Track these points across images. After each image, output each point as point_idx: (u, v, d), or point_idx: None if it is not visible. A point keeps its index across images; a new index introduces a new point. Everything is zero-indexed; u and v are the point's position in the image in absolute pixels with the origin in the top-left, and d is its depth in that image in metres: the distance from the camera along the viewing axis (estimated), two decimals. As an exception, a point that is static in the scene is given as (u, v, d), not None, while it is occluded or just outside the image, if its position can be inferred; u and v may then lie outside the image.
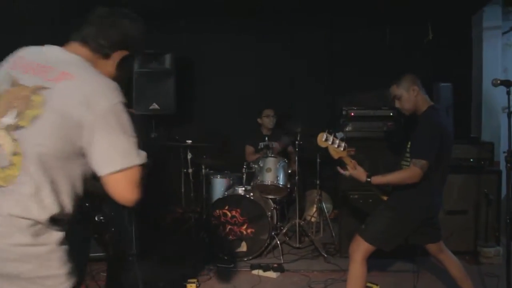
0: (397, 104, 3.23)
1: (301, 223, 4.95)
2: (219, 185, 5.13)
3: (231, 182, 5.16)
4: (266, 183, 4.82)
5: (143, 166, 1.56)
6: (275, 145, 5.46)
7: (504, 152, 2.89)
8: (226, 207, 4.64)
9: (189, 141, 4.81)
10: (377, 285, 3.80)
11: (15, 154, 1.45)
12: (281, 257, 4.57)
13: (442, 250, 3.33)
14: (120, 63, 1.76)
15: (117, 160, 1.50)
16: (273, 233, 4.68)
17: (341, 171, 3.17)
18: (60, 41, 1.77)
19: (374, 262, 3.33)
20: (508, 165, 2.86)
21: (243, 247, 4.64)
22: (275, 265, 4.36)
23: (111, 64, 1.73)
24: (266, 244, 4.62)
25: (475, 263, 4.41)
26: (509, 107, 2.81)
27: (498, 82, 2.88)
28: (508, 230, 2.83)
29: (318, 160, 5.15)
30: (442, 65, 5.58)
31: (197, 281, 4.01)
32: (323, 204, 5.44)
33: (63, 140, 1.47)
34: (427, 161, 2.91)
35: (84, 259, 3.07)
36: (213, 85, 6.28)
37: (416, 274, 3.71)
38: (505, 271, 2.91)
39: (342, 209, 4.70)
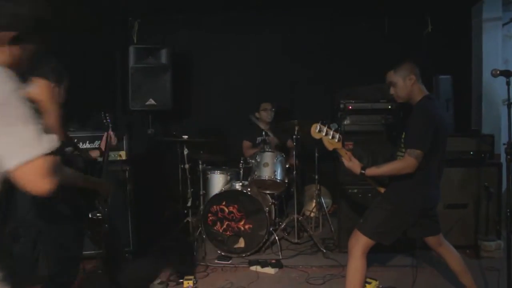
0: (392, 91, 3.18)
1: (300, 218, 4.90)
2: (216, 181, 5.07)
3: (229, 177, 5.11)
4: (264, 178, 4.76)
5: (52, 153, 1.44)
6: (271, 139, 5.40)
7: (504, 144, 2.83)
8: (224, 203, 4.60)
9: (186, 137, 4.76)
10: (376, 280, 3.75)
11: None
12: (280, 253, 4.53)
13: (441, 243, 3.29)
14: (16, 44, 1.60)
15: (19, 153, 1.39)
16: (271, 229, 4.63)
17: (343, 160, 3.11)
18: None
19: (373, 257, 3.29)
20: (508, 157, 2.80)
21: (241, 243, 4.59)
22: (273, 261, 4.31)
23: (7, 50, 1.57)
24: (264, 240, 4.58)
25: (476, 257, 4.37)
26: (509, 98, 2.74)
27: (498, 72, 2.82)
28: (509, 223, 2.77)
29: (316, 154, 5.10)
30: (441, 57, 5.52)
31: (194, 277, 3.96)
32: (322, 199, 5.39)
33: None
34: (421, 151, 2.86)
35: (78, 256, 3.05)
36: (210, 80, 6.24)
37: (416, 269, 3.66)
38: (506, 265, 2.85)
39: (341, 204, 4.65)
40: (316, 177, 5.16)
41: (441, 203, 4.14)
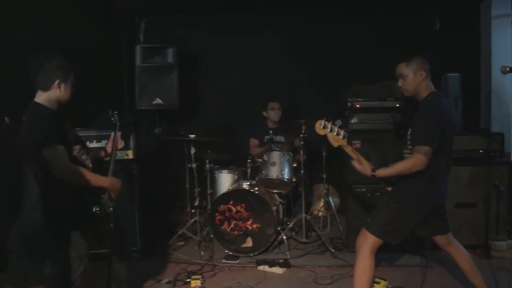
0: (400, 83, 3.14)
1: (308, 218, 4.87)
2: (224, 180, 5.05)
3: (236, 176, 5.09)
4: (271, 177, 4.74)
5: None
6: (285, 143, 5.39)
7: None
8: (231, 202, 4.58)
9: (193, 136, 4.74)
10: (385, 280, 3.72)
11: None
12: (288, 253, 4.51)
13: (450, 243, 3.26)
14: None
15: None
16: (279, 228, 4.61)
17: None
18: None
19: (382, 256, 3.27)
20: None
21: (249, 243, 4.57)
22: (281, 261, 4.29)
23: None
24: (272, 240, 4.56)
25: (486, 257, 4.31)
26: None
27: (507, 69, 2.77)
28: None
29: (324, 153, 5.07)
30: (450, 55, 5.46)
31: (202, 277, 3.96)
32: (330, 198, 5.36)
33: None
34: (430, 147, 2.83)
35: (84, 255, 3.05)
36: (217, 79, 6.24)
37: (425, 269, 3.62)
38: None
39: (349, 203, 4.62)
40: (324, 176, 5.13)
41: (450, 202, 4.12)
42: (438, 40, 5.68)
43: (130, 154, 4.50)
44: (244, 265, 4.34)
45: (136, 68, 5.63)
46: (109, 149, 3.34)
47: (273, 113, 5.60)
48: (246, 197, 4.58)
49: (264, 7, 5.97)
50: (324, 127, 3.02)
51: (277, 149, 4.91)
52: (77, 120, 3.07)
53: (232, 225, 4.58)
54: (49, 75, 2.75)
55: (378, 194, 4.31)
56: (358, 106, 4.62)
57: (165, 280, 3.91)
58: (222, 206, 4.60)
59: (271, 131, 5.22)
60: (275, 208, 4.61)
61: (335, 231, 5.18)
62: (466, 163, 4.44)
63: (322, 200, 5.36)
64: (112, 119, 3.41)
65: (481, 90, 5.62)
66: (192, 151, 4.81)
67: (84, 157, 2.94)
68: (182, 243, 4.97)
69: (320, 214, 5.36)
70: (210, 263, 4.36)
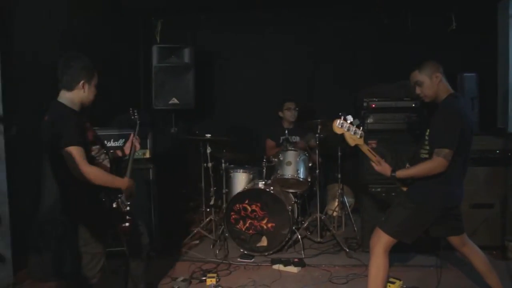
0: (418, 91, 3.13)
1: (323, 217, 4.88)
2: (239, 179, 5.09)
3: (251, 176, 5.12)
4: (287, 177, 4.76)
5: None
6: (299, 143, 5.40)
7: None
8: (246, 201, 4.61)
9: (209, 135, 4.78)
10: (400, 280, 3.71)
11: None
12: (302, 252, 4.53)
13: (465, 244, 3.25)
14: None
15: None
16: (294, 228, 4.63)
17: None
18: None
19: (397, 257, 3.27)
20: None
21: (263, 242, 4.60)
22: (296, 260, 4.31)
23: None
24: (286, 239, 4.58)
25: (503, 258, 4.28)
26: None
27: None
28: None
29: (339, 153, 5.07)
30: (466, 54, 5.43)
31: (217, 275, 3.99)
32: (345, 198, 5.36)
33: None
34: (450, 149, 2.84)
35: (102, 252, 3.10)
36: (233, 79, 6.27)
37: (440, 269, 3.61)
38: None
39: (364, 203, 4.62)
40: (339, 176, 5.14)
41: (466, 203, 4.10)
42: (454, 40, 5.64)
43: (147, 154, 4.56)
44: (259, 264, 4.37)
45: (153, 68, 5.70)
46: (127, 150, 3.38)
47: (289, 113, 5.62)
48: (262, 196, 4.61)
49: (280, 6, 5.99)
50: (341, 126, 3.04)
51: (293, 149, 4.92)
52: (93, 119, 3.12)
53: (247, 224, 4.61)
54: (75, 75, 2.82)
55: (393, 194, 4.29)
56: (374, 106, 4.62)
57: (181, 278, 3.94)
58: (237, 205, 4.63)
59: (286, 131, 5.23)
60: (290, 207, 4.63)
61: (350, 231, 5.19)
62: (483, 163, 4.42)
63: (337, 200, 5.36)
64: (133, 117, 3.46)
65: (498, 90, 5.56)
66: (208, 150, 4.85)
67: (102, 156, 2.99)
68: (197, 242, 5.02)
69: (335, 214, 5.36)
70: (225, 261, 4.39)
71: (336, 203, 5.37)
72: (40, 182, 3.86)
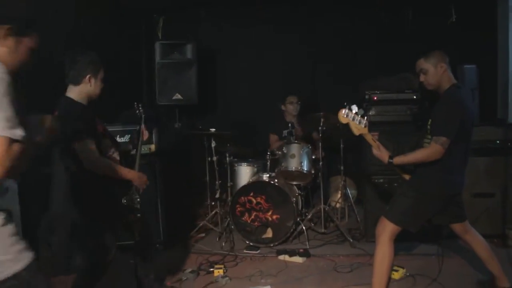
0: (422, 78, 3.21)
1: (326, 209, 4.96)
2: (244, 173, 5.16)
3: (255, 169, 5.19)
4: (291, 169, 4.83)
5: (17, 142, 1.59)
6: (296, 130, 5.46)
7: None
8: (251, 194, 4.69)
9: (213, 130, 4.85)
10: (403, 268, 3.80)
11: None
12: (307, 243, 4.60)
13: (467, 231, 3.33)
14: (17, 44, 1.85)
15: None
16: (298, 219, 4.71)
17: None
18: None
19: (400, 246, 3.34)
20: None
21: (269, 233, 4.68)
22: (301, 250, 4.40)
23: (3, 43, 1.80)
24: (291, 230, 4.66)
25: (503, 246, 4.35)
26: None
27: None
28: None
29: (341, 145, 5.15)
30: (466, 46, 5.47)
31: (224, 267, 4.07)
32: (348, 190, 5.44)
33: None
34: (447, 138, 2.92)
35: (111, 246, 3.17)
36: (235, 73, 6.33)
37: (442, 257, 3.70)
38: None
39: (367, 193, 4.69)
40: (342, 168, 5.21)
41: (468, 192, 4.18)
42: (455, 32, 5.69)
43: (153, 148, 4.63)
44: (265, 255, 4.44)
45: (156, 64, 5.76)
46: (136, 141, 3.46)
47: (291, 107, 5.68)
48: (266, 188, 4.68)
49: (281, 3, 6.04)
50: (347, 116, 3.12)
51: (296, 142, 4.99)
52: (98, 115, 3.18)
53: (252, 216, 4.69)
54: (81, 70, 2.88)
55: (395, 184, 4.35)
56: (376, 98, 4.69)
57: (189, 270, 4.03)
58: (242, 197, 4.71)
59: (290, 124, 5.30)
60: (294, 199, 4.70)
61: (353, 222, 5.27)
62: (483, 153, 4.48)
63: (340, 192, 5.44)
64: (137, 112, 3.53)
65: (498, 81, 5.63)
66: (213, 144, 4.92)
67: (112, 149, 3.06)
68: (203, 234, 5.08)
69: (338, 205, 5.44)
70: (231, 253, 4.46)
71: (339, 195, 5.45)
72: (50, 177, 3.92)
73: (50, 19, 4.28)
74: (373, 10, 5.96)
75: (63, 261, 4.02)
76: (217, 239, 4.85)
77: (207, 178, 5.18)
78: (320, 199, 4.99)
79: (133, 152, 3.45)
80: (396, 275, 3.70)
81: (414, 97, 4.63)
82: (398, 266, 3.77)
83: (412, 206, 3.09)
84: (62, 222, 3.94)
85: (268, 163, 5.08)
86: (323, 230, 4.90)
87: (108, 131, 3.16)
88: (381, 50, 5.87)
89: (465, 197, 3.51)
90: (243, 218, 4.71)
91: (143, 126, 3.48)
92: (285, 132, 5.57)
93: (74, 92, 2.89)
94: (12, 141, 1.56)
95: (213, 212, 5.13)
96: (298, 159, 4.84)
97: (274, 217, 4.66)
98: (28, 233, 3.74)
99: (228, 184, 5.03)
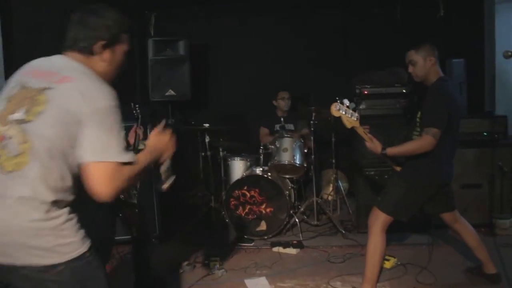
0: (410, 69, 3.30)
1: (319, 201, 5.05)
2: (237, 167, 5.23)
3: (248, 163, 5.26)
4: (283, 163, 4.91)
5: (127, 165, 1.72)
6: (293, 129, 5.56)
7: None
8: (245, 188, 4.76)
9: (207, 125, 4.91)
10: (394, 257, 3.90)
11: (24, 143, 1.66)
12: (300, 235, 4.68)
13: (457, 220, 3.44)
14: (113, 53, 1.95)
15: (98, 152, 1.68)
16: (291, 212, 4.79)
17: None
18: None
19: (391, 236, 3.43)
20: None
21: (263, 226, 4.76)
22: (295, 242, 4.48)
23: (99, 59, 1.91)
24: (285, 223, 4.74)
25: (491, 234, 4.47)
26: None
27: (509, 53, 2.91)
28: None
29: (333, 139, 5.23)
30: (454, 40, 5.57)
31: (220, 259, 4.12)
32: (340, 183, 5.53)
33: (64, 131, 1.67)
34: (438, 129, 3.01)
35: (111, 239, 3.23)
36: (227, 69, 6.37)
37: (431, 247, 3.81)
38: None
39: (358, 185, 4.79)
40: (334, 161, 5.30)
41: (456, 183, 4.28)
42: (443, 26, 5.78)
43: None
44: (259, 247, 4.52)
45: (149, 61, 5.79)
46: (131, 140, 3.50)
47: (282, 103, 5.75)
48: (260, 182, 4.76)
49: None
50: (339, 109, 3.20)
51: (289, 135, 5.07)
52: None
53: (246, 210, 4.77)
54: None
55: (386, 176, 4.45)
56: (366, 92, 4.77)
57: (186, 263, 4.08)
58: (236, 191, 4.78)
59: (282, 119, 5.38)
60: (287, 192, 4.79)
61: (345, 214, 5.36)
62: (471, 145, 4.60)
63: (331, 184, 5.54)
64: (134, 112, 3.58)
65: (485, 74, 5.74)
66: (207, 139, 4.98)
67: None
68: (198, 228, 5.14)
69: (330, 198, 5.54)
70: (226, 246, 4.54)
71: (331, 188, 5.55)
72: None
73: (40, 16, 4.33)
74: (364, 3, 6.03)
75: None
76: (212, 232, 4.92)
77: (201, 172, 5.24)
78: (312, 192, 5.08)
79: (130, 148, 3.49)
80: (387, 264, 3.80)
81: (404, 90, 4.72)
82: (390, 256, 3.87)
83: (404, 197, 3.18)
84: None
85: (261, 157, 5.15)
86: (316, 222, 4.99)
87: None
88: (372, 44, 5.93)
89: (454, 187, 3.62)
90: (237, 212, 4.79)
91: (137, 126, 3.51)
92: (277, 126, 5.65)
93: None
94: (123, 164, 1.70)
95: (207, 206, 5.19)
96: (291, 153, 4.91)
97: (268, 210, 4.74)
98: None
99: (222, 178, 5.10)
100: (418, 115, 3.23)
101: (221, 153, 5.14)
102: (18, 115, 1.70)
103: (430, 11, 5.89)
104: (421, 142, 3.07)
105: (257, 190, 4.74)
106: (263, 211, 4.75)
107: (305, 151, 5.05)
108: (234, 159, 5.28)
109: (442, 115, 3.04)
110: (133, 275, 3.44)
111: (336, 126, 3.28)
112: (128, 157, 1.72)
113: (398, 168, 3.31)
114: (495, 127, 4.67)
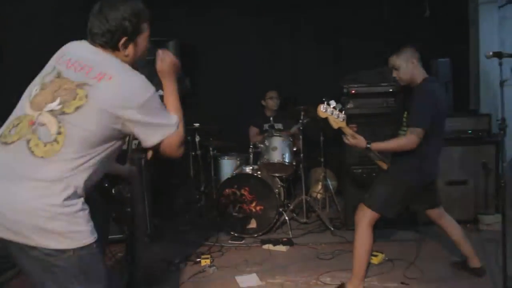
0: (395, 74, 3.38)
1: (308, 199, 5.11)
2: (227, 166, 5.29)
3: (238, 162, 5.33)
4: (273, 162, 4.97)
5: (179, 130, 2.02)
6: (282, 128, 5.62)
7: (497, 120, 3.04)
8: (235, 186, 4.81)
9: (197, 124, 4.95)
10: (382, 253, 3.98)
11: (59, 133, 1.77)
12: (290, 232, 4.75)
13: (442, 216, 3.53)
14: (135, 46, 2.07)
15: (158, 134, 1.96)
16: (281, 210, 4.85)
17: (346, 140, 3.28)
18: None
19: (379, 233, 3.50)
20: (501, 132, 3.00)
21: (253, 224, 4.81)
22: (285, 240, 4.54)
23: (122, 53, 2.03)
24: (274, 220, 4.80)
25: (475, 230, 4.58)
26: (501, 77, 2.95)
27: (490, 54, 3.01)
28: (501, 192, 2.99)
29: (321, 138, 5.30)
30: (440, 40, 5.67)
31: (211, 256, 4.18)
32: (328, 181, 5.61)
33: (101, 127, 1.82)
34: (422, 128, 3.09)
35: (105, 238, 3.26)
36: (217, 69, 6.38)
37: (419, 243, 3.89)
38: (501, 232, 3.06)
39: (346, 183, 4.86)
40: (322, 160, 5.37)
41: (442, 180, 4.38)
42: (428, 26, 5.86)
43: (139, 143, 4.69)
44: (250, 245, 4.57)
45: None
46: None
47: (271, 102, 5.81)
48: (250, 181, 4.81)
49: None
50: (325, 111, 3.25)
51: (278, 134, 5.13)
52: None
53: (237, 208, 4.80)
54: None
55: (374, 174, 4.51)
56: (353, 92, 4.84)
57: (177, 260, 4.12)
58: (227, 190, 4.82)
59: (271, 118, 5.44)
60: (277, 190, 4.86)
61: (334, 211, 5.44)
62: (457, 143, 4.69)
63: (320, 183, 5.61)
64: None
65: (470, 74, 5.84)
66: (197, 139, 5.03)
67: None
68: (189, 227, 5.18)
69: (319, 196, 5.61)
70: (217, 244, 4.57)
71: (320, 186, 5.62)
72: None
73: (28, 17, 4.35)
74: (353, 3, 6.11)
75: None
76: (203, 231, 4.96)
77: (192, 171, 5.28)
78: (301, 190, 5.15)
79: (125, 147, 3.53)
80: (375, 260, 3.87)
81: (390, 90, 4.78)
82: (378, 252, 3.95)
83: (391, 193, 3.24)
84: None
85: (251, 156, 5.21)
86: (305, 220, 5.06)
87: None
88: (361, 44, 5.98)
89: (440, 184, 3.71)
90: (228, 210, 4.83)
91: None
92: (266, 126, 5.71)
93: None
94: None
95: (198, 205, 5.24)
96: (280, 152, 4.97)
97: (258, 208, 4.80)
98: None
99: (213, 177, 5.14)
100: (405, 115, 3.31)
101: (211, 152, 5.19)
102: (54, 105, 1.80)
103: (416, 11, 5.97)
104: (405, 141, 3.15)
105: (247, 188, 4.79)
106: (253, 209, 4.80)
107: (294, 149, 5.11)
108: (224, 158, 5.33)
109: (427, 115, 3.12)
110: (125, 274, 3.46)
111: (324, 125, 3.32)
112: (175, 120, 2.02)
113: (384, 166, 3.38)
114: (480, 125, 4.79)
